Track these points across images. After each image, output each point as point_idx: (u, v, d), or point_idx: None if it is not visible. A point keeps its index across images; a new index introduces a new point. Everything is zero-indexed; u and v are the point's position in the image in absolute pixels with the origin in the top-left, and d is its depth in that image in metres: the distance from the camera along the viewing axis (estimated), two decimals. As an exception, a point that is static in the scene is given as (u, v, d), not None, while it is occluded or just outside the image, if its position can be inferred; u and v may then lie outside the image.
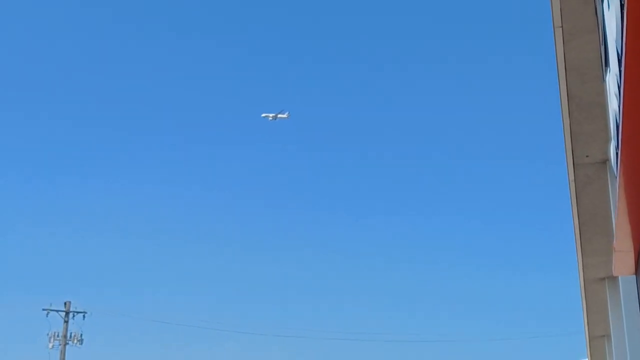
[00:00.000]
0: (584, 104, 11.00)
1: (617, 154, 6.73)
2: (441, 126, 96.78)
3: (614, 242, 8.77)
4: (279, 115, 76.24)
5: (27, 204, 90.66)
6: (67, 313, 53.06)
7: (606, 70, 6.58)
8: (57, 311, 52.94)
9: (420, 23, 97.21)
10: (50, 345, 52.20)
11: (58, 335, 52.54)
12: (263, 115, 76.64)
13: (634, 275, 10.26)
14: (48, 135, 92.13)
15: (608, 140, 11.77)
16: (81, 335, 52.81)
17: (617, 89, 5.79)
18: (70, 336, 52.61)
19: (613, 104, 6.31)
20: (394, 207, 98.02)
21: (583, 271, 17.72)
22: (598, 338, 23.86)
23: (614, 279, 17.37)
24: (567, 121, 11.56)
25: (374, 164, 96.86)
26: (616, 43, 5.30)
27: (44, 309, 52.55)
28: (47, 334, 52.43)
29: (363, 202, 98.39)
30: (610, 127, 6.92)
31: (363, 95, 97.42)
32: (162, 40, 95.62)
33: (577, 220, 14.98)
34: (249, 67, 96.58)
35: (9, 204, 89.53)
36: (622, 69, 4.74)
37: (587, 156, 12.53)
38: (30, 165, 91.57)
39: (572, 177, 13.35)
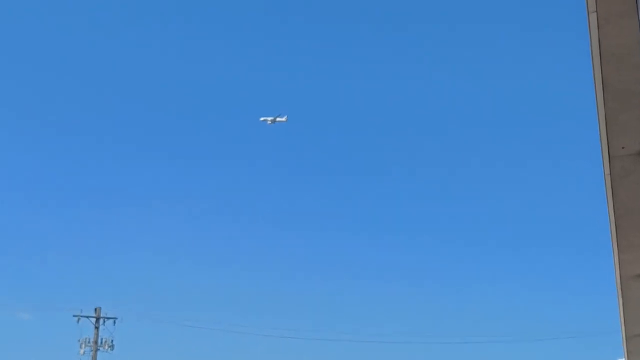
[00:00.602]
0: (619, 92, 10.65)
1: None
2: (459, 119, 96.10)
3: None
4: (278, 119, 75.77)
5: (58, 220, 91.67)
6: (97, 319, 53.22)
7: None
8: (87, 317, 53.19)
9: (433, 16, 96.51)
10: (82, 351, 52.42)
11: (89, 341, 52.73)
12: (261, 119, 76.29)
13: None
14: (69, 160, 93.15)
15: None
16: (112, 340, 53.08)
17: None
18: (101, 342, 52.82)
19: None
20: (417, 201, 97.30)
21: (619, 268, 17.29)
22: (635, 337, 23.35)
23: (651, 275, 16.93)
24: (602, 111, 11.22)
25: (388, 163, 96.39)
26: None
27: (74, 315, 52.89)
28: (78, 340, 52.73)
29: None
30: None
31: (366, 96, 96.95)
32: (154, 42, 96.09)
33: (613, 215, 14.59)
34: (246, 69, 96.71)
35: (42, 219, 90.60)
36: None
37: (623, 147, 12.16)
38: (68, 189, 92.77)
39: (607, 170, 12.97)
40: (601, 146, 12.37)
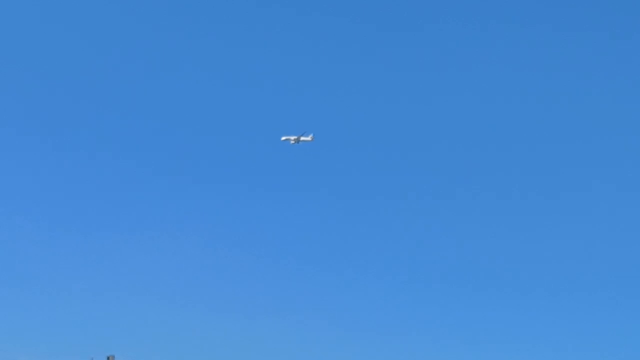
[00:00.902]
0: None
1: None
2: (502, 143, 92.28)
3: None
4: (302, 138, 70.70)
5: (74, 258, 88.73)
6: (114, 370, 49.18)
7: None
8: (101, 367, 49.00)
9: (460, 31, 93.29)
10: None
11: (105, 395, 48.60)
12: (283, 138, 71.38)
13: None
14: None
15: None
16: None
17: None
18: (120, 394, 48.76)
19: None
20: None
21: None
22: None
23: None
24: None
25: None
26: None
27: (86, 366, 49.05)
28: (91, 393, 48.62)
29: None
30: None
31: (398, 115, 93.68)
32: (169, 56, 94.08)
33: None
34: (267, 81, 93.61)
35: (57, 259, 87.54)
36: None
37: None
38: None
39: None
40: None
